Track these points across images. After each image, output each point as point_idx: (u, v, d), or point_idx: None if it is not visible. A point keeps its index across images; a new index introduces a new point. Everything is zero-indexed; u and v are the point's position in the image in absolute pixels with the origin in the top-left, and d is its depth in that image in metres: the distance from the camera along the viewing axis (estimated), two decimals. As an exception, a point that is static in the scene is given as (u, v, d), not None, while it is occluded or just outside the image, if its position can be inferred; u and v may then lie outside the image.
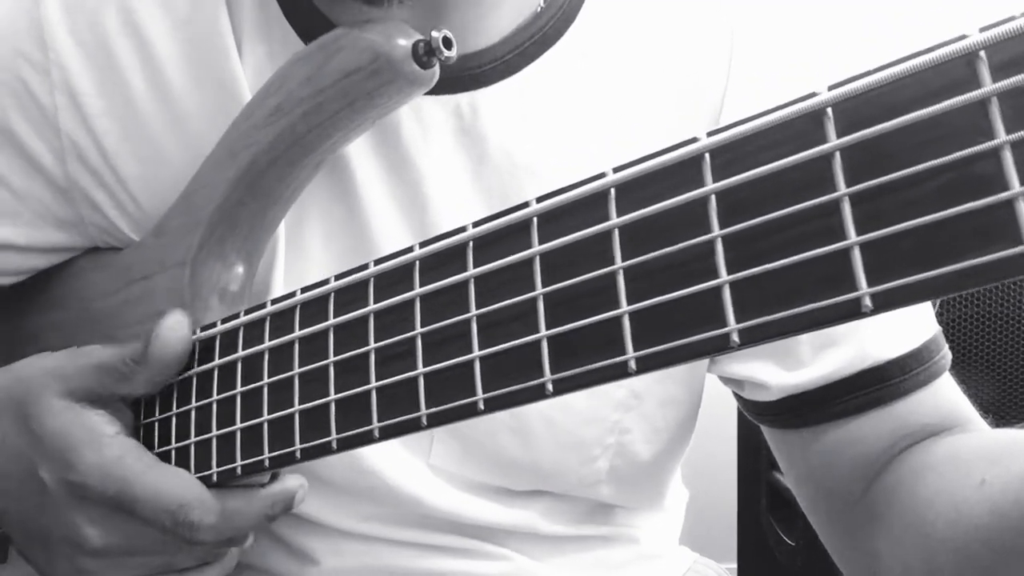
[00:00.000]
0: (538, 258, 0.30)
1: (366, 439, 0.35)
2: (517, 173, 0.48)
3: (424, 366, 0.33)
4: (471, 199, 0.48)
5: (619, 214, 0.28)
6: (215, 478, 0.41)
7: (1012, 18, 0.21)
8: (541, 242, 0.30)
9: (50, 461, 0.41)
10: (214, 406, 0.41)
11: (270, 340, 0.39)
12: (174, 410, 0.43)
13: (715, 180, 0.26)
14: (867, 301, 0.23)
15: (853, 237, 0.23)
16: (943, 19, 1.42)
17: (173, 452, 0.43)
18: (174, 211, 0.48)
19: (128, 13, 0.49)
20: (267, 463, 0.39)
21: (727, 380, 0.55)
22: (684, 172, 0.27)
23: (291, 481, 0.42)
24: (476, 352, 0.31)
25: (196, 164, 0.47)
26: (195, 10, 0.48)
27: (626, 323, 0.28)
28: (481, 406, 0.31)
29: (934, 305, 0.71)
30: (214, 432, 0.41)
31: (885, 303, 0.23)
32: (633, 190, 0.28)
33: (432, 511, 0.51)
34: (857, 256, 0.23)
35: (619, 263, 0.28)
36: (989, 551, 0.37)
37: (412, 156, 0.48)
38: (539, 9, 0.49)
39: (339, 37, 0.42)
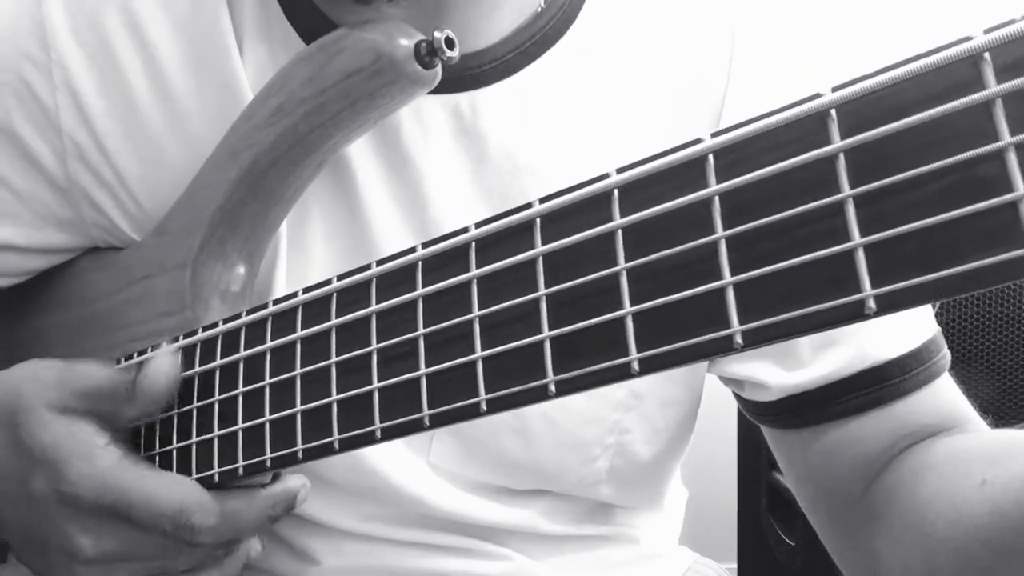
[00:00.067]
0: (541, 259, 0.30)
1: (368, 440, 0.35)
2: (517, 173, 0.48)
3: (426, 367, 0.33)
4: (471, 199, 0.48)
5: (623, 215, 0.28)
6: (217, 478, 0.41)
7: (1016, 20, 0.21)
8: (544, 243, 0.30)
9: (42, 472, 0.40)
10: (216, 406, 0.41)
11: (272, 340, 0.39)
12: (176, 410, 0.43)
13: (719, 181, 0.26)
14: (871, 303, 0.23)
15: (857, 239, 0.23)
16: (943, 19, 1.43)
17: (175, 452, 0.43)
18: (175, 211, 0.48)
19: (129, 14, 0.49)
20: (269, 463, 0.39)
21: (727, 380, 0.55)
22: (688, 173, 0.27)
23: (293, 481, 0.42)
24: (479, 353, 0.31)
25: (197, 164, 0.47)
26: (196, 10, 0.48)
27: (629, 324, 0.28)
28: (484, 407, 0.31)
29: (934, 306, 0.71)
30: (216, 432, 0.41)
31: (889, 305, 0.23)
32: (637, 191, 0.28)
33: (433, 511, 0.51)
34: (861, 258, 0.23)
35: (622, 264, 0.28)
36: (989, 551, 0.37)
37: (412, 156, 0.48)
38: (539, 9, 0.49)
39: (341, 37, 0.42)
